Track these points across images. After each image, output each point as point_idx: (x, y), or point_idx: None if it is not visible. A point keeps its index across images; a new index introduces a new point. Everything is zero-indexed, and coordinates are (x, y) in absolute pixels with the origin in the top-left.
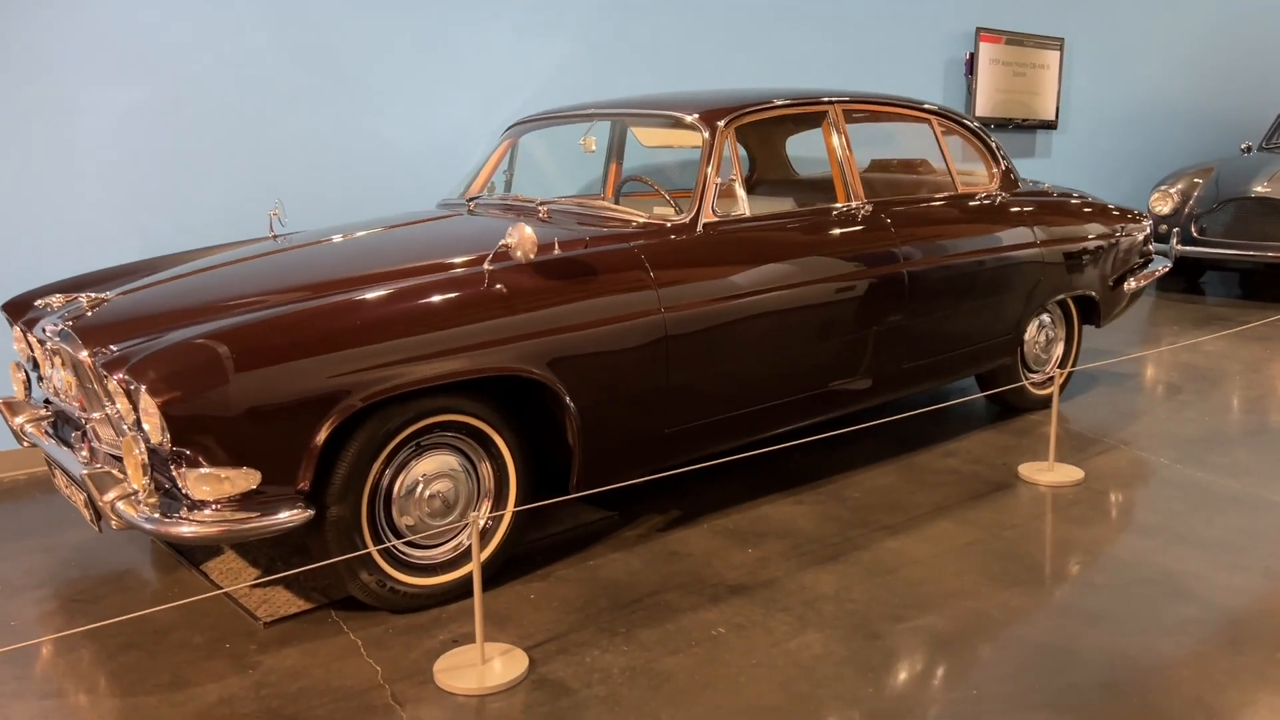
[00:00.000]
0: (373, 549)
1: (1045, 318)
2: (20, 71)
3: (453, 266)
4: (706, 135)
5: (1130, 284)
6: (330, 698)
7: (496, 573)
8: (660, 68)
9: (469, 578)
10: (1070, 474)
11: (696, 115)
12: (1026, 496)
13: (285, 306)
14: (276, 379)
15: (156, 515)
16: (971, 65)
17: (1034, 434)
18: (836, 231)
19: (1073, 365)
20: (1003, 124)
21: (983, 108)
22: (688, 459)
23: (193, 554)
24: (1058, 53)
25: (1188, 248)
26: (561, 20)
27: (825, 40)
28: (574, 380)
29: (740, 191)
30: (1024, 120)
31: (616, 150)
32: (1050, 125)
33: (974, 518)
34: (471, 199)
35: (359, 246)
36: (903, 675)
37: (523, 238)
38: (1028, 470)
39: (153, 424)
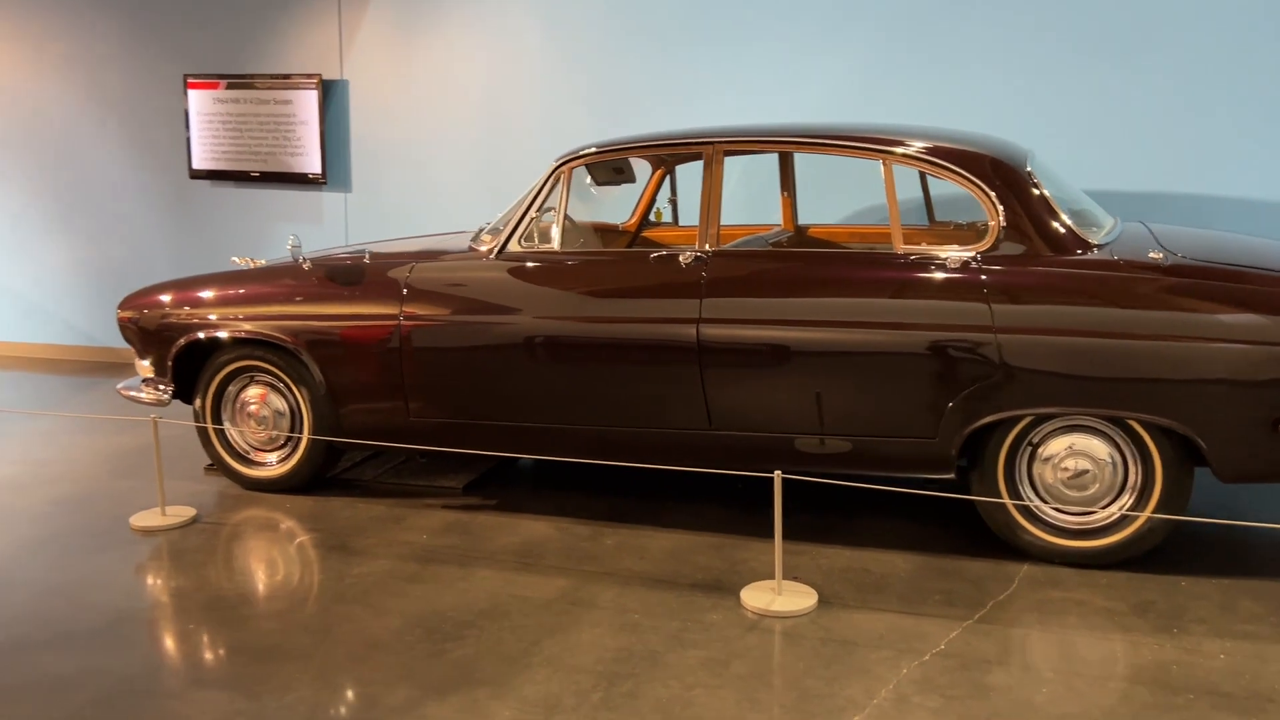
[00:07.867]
0: None
1: (1090, 441)
2: None
3: None
4: (547, 173)
5: None
6: None
7: None
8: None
9: None
10: (795, 604)
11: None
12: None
13: None
14: None
15: None
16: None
17: (963, 579)
18: (626, 278)
19: (1131, 519)
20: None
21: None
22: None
23: None
24: (314, 93)
25: None
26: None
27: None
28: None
29: (557, 227)
30: (257, 175)
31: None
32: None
33: (514, 614)
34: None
35: None
36: None
37: None
38: (751, 589)
39: None
